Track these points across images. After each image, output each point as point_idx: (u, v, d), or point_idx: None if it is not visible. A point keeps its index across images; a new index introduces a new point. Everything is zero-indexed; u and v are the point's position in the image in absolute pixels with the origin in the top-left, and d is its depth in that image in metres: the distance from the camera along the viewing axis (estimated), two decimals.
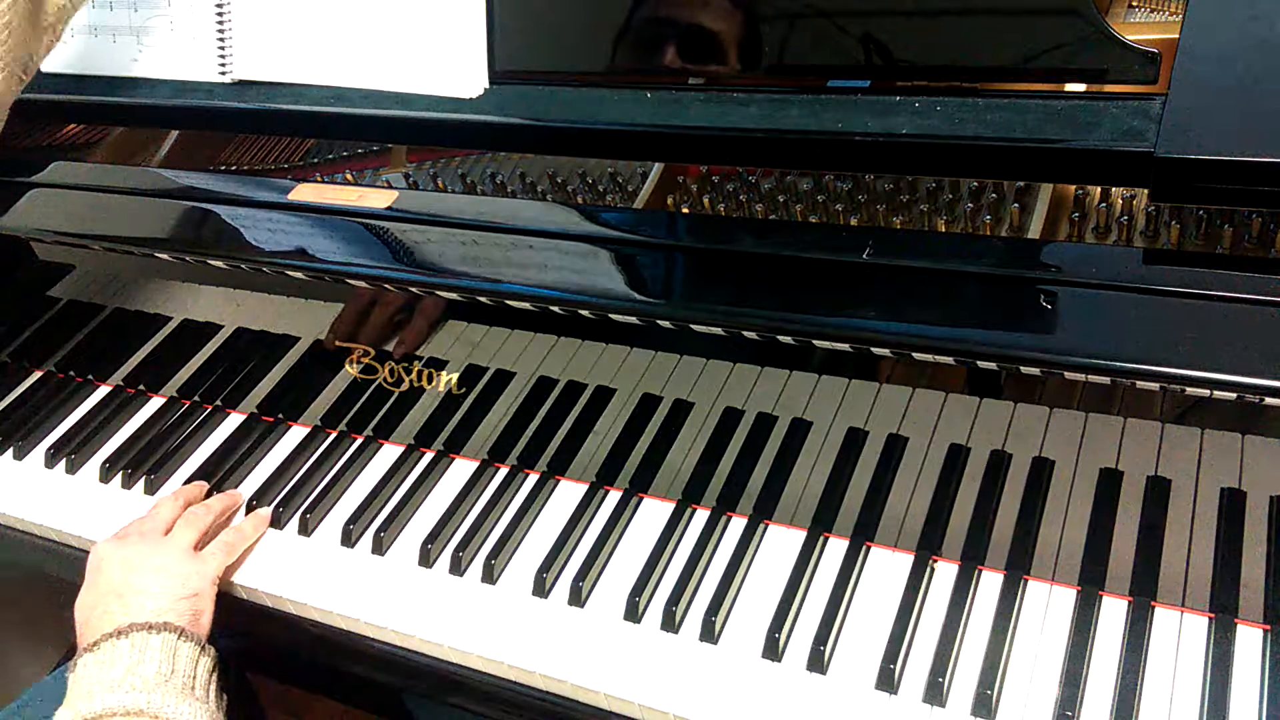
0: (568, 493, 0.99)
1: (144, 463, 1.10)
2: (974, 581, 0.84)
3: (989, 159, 0.83)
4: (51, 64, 1.21)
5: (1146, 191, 0.79)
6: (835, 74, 0.89)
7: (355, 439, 1.08)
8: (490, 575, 0.92)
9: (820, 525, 0.90)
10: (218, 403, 1.15)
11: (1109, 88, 0.82)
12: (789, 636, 0.83)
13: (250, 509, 1.02)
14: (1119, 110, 0.79)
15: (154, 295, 1.16)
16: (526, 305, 0.92)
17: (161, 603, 0.86)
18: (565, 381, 0.97)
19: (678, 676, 0.82)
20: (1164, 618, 0.80)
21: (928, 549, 0.86)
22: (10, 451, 1.15)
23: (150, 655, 0.81)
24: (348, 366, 1.06)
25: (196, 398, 1.17)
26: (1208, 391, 0.71)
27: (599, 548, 0.92)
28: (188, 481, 1.07)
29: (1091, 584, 0.82)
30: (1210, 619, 0.79)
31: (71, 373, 1.24)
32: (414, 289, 0.95)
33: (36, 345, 1.26)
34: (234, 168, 1.12)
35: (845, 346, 0.81)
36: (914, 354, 0.79)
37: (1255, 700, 0.74)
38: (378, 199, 0.99)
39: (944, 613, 0.82)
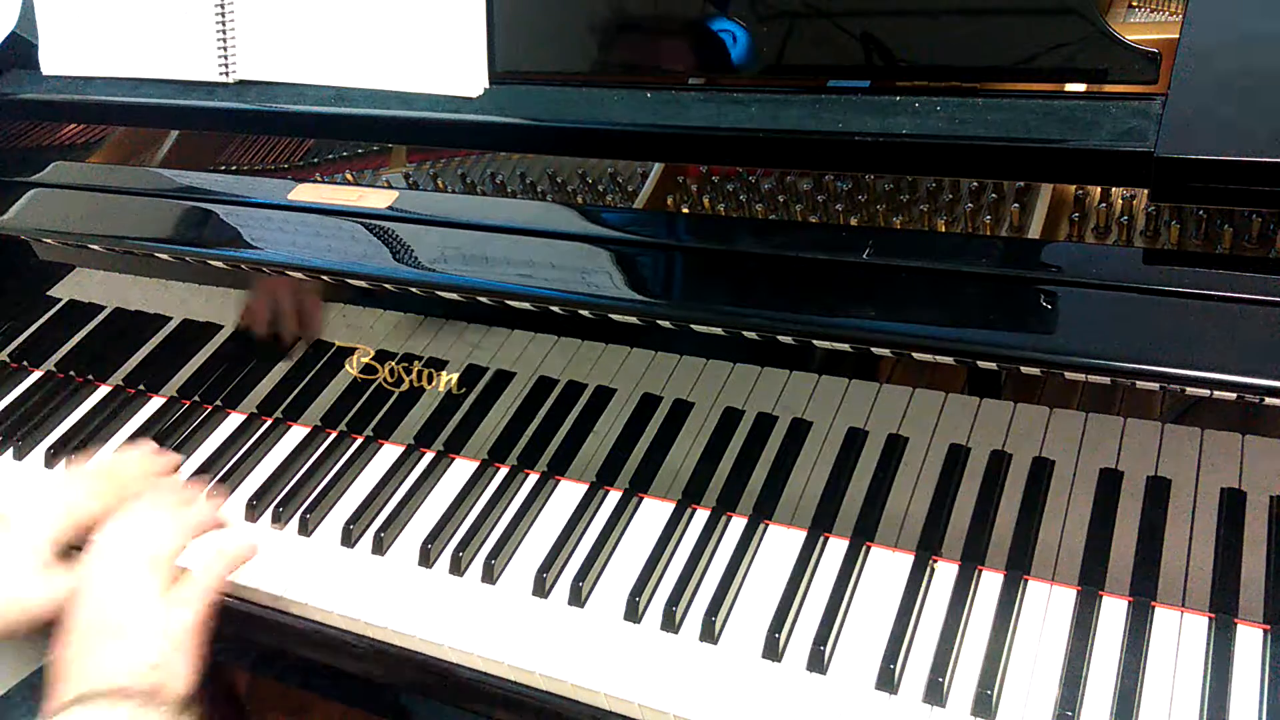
0: (568, 493, 0.99)
1: None
2: (974, 581, 0.84)
3: (989, 159, 0.83)
4: (51, 64, 1.21)
5: (1146, 191, 0.79)
6: (835, 74, 0.89)
7: (355, 439, 1.08)
8: (490, 575, 0.92)
9: (820, 525, 0.90)
10: (218, 403, 1.15)
11: (1109, 88, 0.82)
12: (789, 636, 0.83)
13: (251, 509, 1.02)
14: (1119, 110, 0.79)
15: (154, 295, 1.16)
16: (526, 305, 0.92)
17: (117, 674, 0.79)
18: (565, 381, 0.97)
19: (678, 676, 0.82)
20: (1164, 618, 0.80)
21: (928, 549, 0.86)
22: (10, 451, 1.15)
23: None
24: (348, 366, 1.06)
25: (196, 398, 1.17)
26: (1208, 391, 0.71)
27: (599, 548, 0.92)
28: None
29: (1091, 584, 0.82)
30: (1210, 619, 0.79)
31: (71, 373, 1.24)
32: (414, 289, 0.95)
33: (36, 345, 1.26)
34: (234, 168, 1.12)
35: (845, 346, 0.81)
36: (914, 354, 0.79)
37: (1255, 700, 0.74)
38: (378, 199, 0.99)
39: (944, 613, 0.82)
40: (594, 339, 0.94)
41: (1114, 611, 0.81)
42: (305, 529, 1.00)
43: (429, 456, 1.04)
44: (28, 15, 1.23)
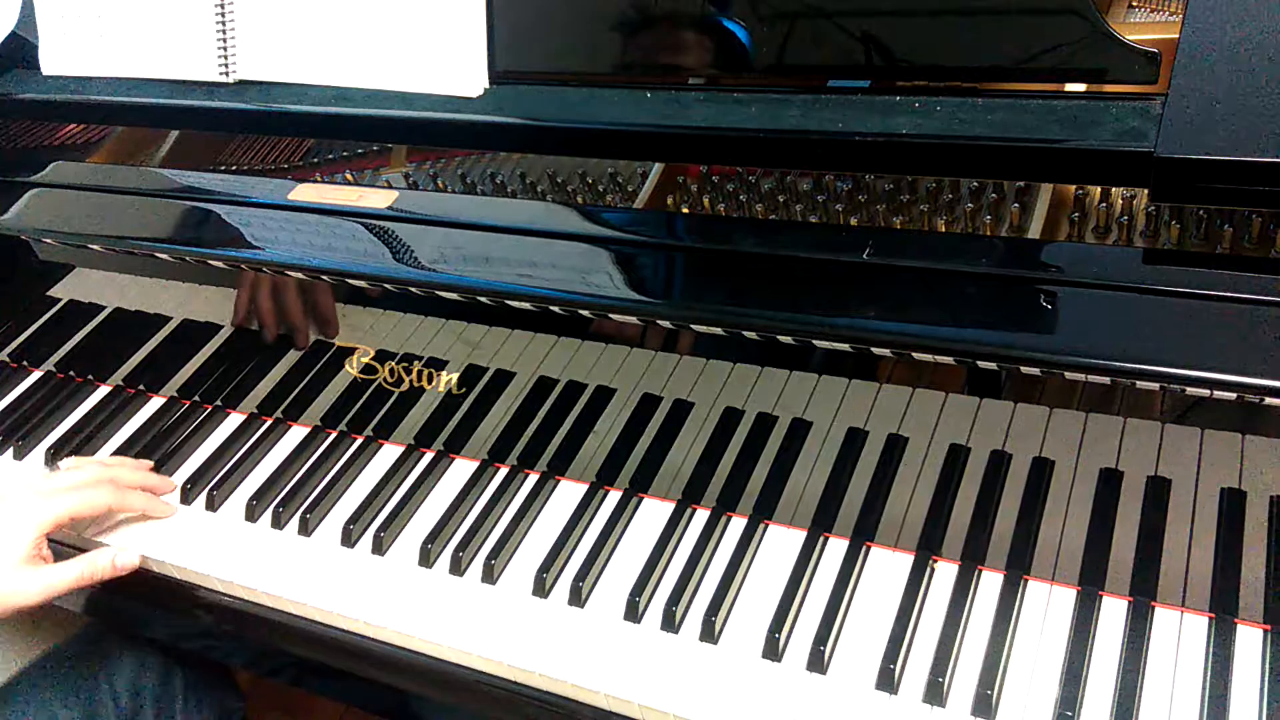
0: (568, 493, 0.99)
1: None
2: (974, 581, 0.84)
3: (989, 159, 0.83)
4: (52, 64, 1.21)
5: (1146, 191, 0.79)
6: (835, 74, 0.89)
7: (355, 439, 1.08)
8: (490, 575, 0.92)
9: (820, 525, 0.90)
10: (218, 403, 1.15)
11: (1109, 88, 0.82)
12: (789, 636, 0.83)
13: (251, 509, 1.02)
14: (1119, 110, 0.79)
15: (154, 295, 1.16)
16: (526, 305, 0.92)
17: None
18: (565, 381, 0.97)
19: (678, 676, 0.82)
20: (1164, 618, 0.80)
21: (928, 549, 0.86)
22: (10, 451, 1.15)
23: None
24: (348, 366, 1.06)
25: (196, 398, 1.17)
26: (1208, 391, 0.71)
27: (599, 548, 0.92)
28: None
29: (1091, 584, 0.82)
30: (1210, 619, 0.79)
31: (71, 373, 1.24)
32: (414, 289, 0.95)
33: (36, 345, 1.26)
34: (234, 168, 1.12)
35: (845, 346, 0.81)
36: (914, 354, 0.79)
37: (1255, 700, 0.74)
38: (378, 199, 0.99)
39: (944, 613, 0.82)
40: (594, 339, 0.94)
41: (1114, 611, 0.81)
42: (305, 529, 1.00)
43: (429, 456, 1.04)
44: (28, 15, 1.23)
